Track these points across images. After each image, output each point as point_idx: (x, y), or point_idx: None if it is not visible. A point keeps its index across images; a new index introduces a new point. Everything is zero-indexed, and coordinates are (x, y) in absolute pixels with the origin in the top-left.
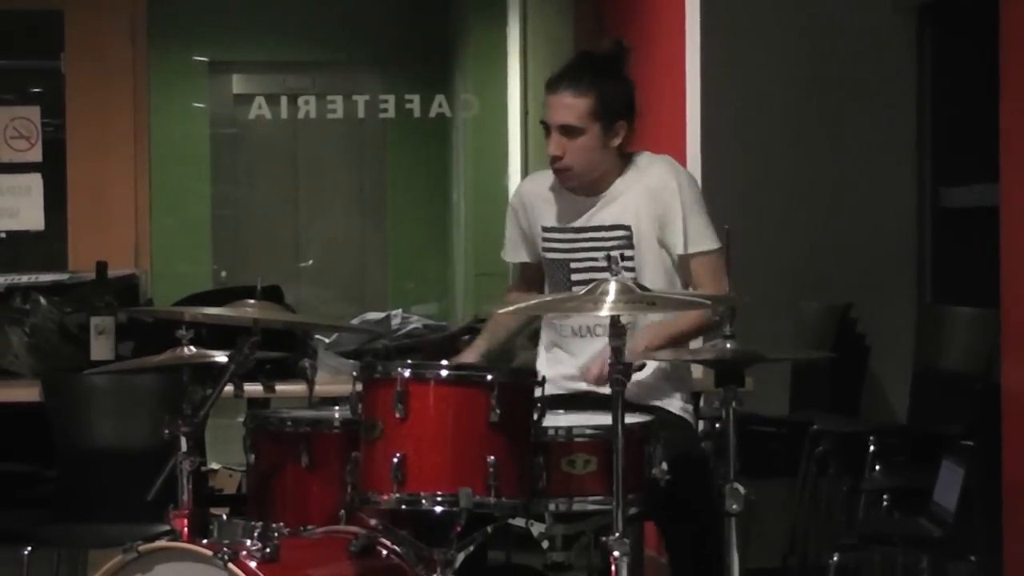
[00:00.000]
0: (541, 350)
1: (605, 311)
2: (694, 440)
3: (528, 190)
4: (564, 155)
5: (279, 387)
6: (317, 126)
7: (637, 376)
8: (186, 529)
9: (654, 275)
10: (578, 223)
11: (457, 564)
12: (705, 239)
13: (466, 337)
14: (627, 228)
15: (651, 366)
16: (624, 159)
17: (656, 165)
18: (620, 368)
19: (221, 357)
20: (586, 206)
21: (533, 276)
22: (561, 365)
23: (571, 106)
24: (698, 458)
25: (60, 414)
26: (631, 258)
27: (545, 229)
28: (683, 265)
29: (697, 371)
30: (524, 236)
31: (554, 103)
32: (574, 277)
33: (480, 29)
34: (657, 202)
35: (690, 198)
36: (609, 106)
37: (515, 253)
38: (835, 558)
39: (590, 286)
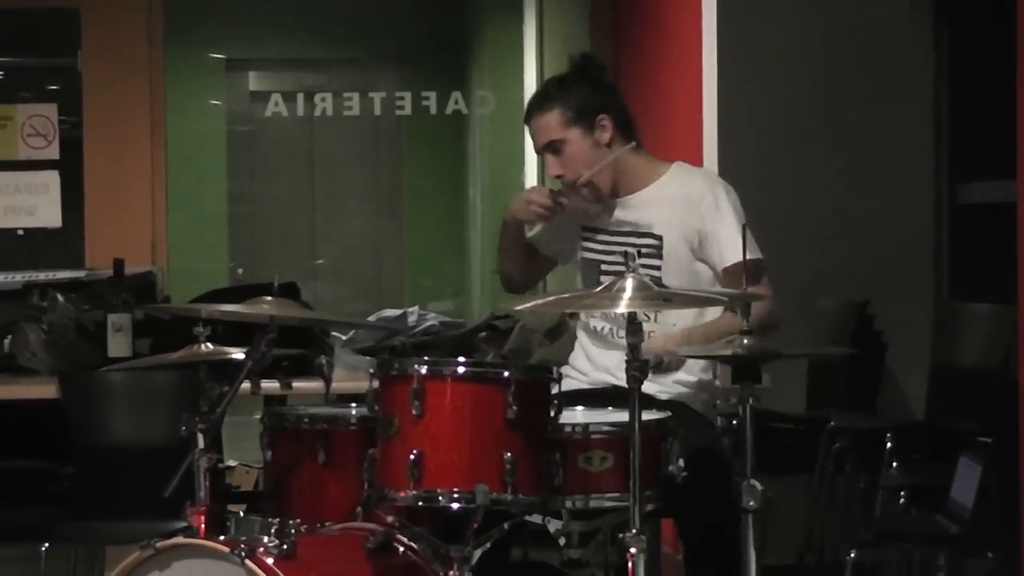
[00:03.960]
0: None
1: (622, 307)
2: (713, 437)
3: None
4: (564, 172)
5: (296, 384)
6: (333, 123)
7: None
8: (203, 526)
9: (679, 287)
10: (610, 225)
11: (474, 561)
12: (738, 253)
13: (483, 334)
14: (658, 238)
15: (687, 364)
16: (653, 164)
17: (694, 176)
18: (637, 366)
19: (238, 354)
20: (617, 206)
21: (535, 264)
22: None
23: (541, 126)
24: (717, 455)
25: (77, 411)
26: (658, 267)
27: (584, 229)
28: (730, 277)
29: None
30: (556, 230)
31: (531, 131)
32: (603, 279)
33: (496, 26)
34: (694, 215)
35: (728, 209)
36: (580, 107)
37: (538, 233)
38: (852, 555)
39: (606, 283)
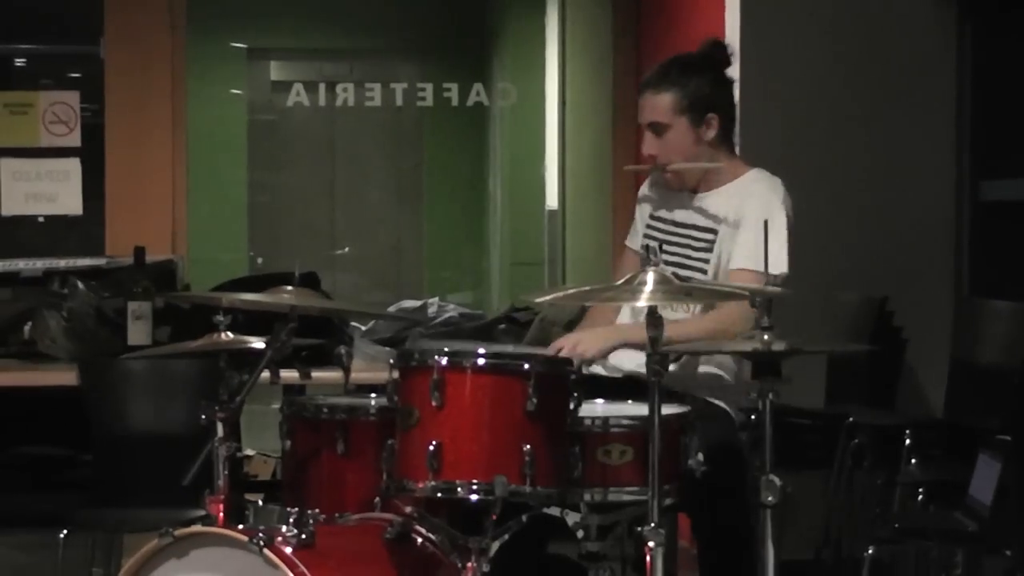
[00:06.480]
0: None
1: (642, 301)
2: (732, 432)
3: (652, 179)
4: (657, 153)
5: (315, 374)
6: (355, 114)
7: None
8: (221, 514)
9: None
10: (677, 216)
11: (492, 553)
12: (749, 260)
13: (502, 326)
14: (713, 232)
15: (709, 361)
16: (735, 167)
17: (762, 182)
18: (656, 359)
19: (258, 343)
20: (687, 200)
21: (632, 267)
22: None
23: (654, 104)
24: (734, 450)
25: (97, 398)
26: (707, 261)
27: (652, 217)
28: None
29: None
30: (639, 224)
31: (641, 104)
32: None
33: (518, 18)
34: (740, 218)
35: (766, 216)
36: (696, 99)
37: (632, 239)
38: (870, 551)
39: (627, 276)
